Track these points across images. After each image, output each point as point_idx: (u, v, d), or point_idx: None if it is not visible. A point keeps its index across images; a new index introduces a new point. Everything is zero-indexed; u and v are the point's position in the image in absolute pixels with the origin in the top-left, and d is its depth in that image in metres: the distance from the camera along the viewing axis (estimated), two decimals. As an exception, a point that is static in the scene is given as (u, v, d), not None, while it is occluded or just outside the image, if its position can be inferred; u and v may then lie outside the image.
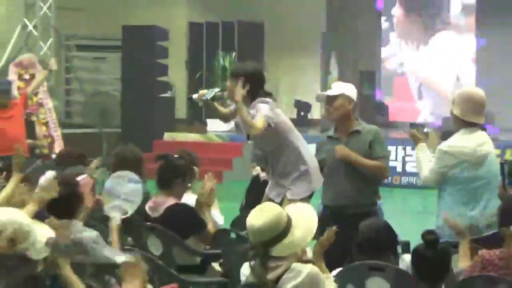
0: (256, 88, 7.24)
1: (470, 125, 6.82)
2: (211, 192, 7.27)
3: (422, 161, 6.99)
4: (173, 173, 7.27)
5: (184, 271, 6.62)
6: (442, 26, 20.73)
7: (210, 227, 7.10)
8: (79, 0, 17.16)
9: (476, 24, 20.01)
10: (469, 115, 6.83)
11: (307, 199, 7.17)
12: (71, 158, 8.36)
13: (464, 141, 6.80)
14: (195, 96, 7.64)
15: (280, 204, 6.58)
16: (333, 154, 7.31)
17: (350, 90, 7.43)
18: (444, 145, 6.86)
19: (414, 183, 15.11)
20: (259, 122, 7.01)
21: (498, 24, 19.10)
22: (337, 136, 7.43)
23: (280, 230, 5.01)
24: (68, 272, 4.47)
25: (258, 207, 5.24)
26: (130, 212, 6.66)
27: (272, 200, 7.05)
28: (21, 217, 4.52)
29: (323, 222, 6.59)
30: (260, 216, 5.05)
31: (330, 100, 7.37)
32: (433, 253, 5.08)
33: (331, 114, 7.46)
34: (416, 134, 7.12)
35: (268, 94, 7.37)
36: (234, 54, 18.67)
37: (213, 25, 19.36)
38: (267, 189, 7.59)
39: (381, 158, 7.35)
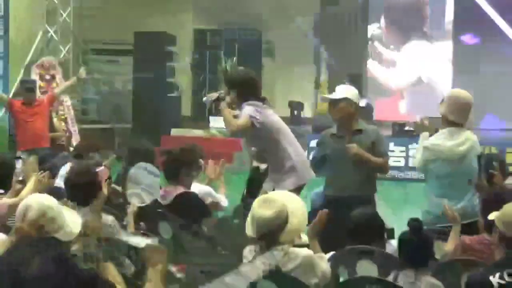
0: (246, 94, 7.33)
1: (455, 125, 6.79)
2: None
3: (418, 150, 7.00)
4: (177, 165, 7.27)
5: (191, 253, 6.60)
6: (420, 35, 20.68)
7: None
8: (96, 9, 17.09)
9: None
10: (453, 115, 6.81)
11: (294, 191, 7.10)
12: (87, 151, 8.34)
13: (445, 140, 6.78)
14: (204, 98, 7.83)
15: None
16: (338, 150, 7.24)
17: (352, 93, 7.37)
18: (427, 141, 6.85)
19: (396, 176, 15.12)
20: (239, 121, 7.14)
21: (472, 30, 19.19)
22: (340, 134, 7.34)
23: (284, 219, 5.01)
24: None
25: (261, 199, 5.24)
26: (147, 202, 6.64)
27: (265, 192, 7.08)
28: (49, 201, 4.48)
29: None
30: (266, 207, 5.04)
31: (334, 102, 7.35)
32: (418, 238, 5.06)
33: (335, 115, 7.39)
34: (421, 124, 7.13)
35: (261, 99, 7.43)
36: (234, 58, 18.61)
37: (216, 32, 19.35)
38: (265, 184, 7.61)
39: (384, 156, 7.40)
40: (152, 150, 8.11)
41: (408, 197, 13.41)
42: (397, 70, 20.58)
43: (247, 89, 7.39)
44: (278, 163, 7.36)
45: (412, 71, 20.50)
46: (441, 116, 6.95)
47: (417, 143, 14.89)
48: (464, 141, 6.72)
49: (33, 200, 4.50)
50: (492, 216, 4.69)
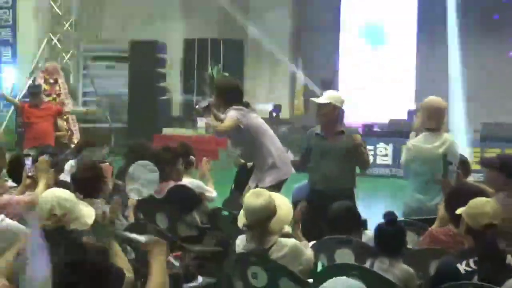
0: (231, 99, 7.38)
1: (433, 129, 6.82)
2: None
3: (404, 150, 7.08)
4: (160, 164, 7.22)
5: (185, 242, 6.60)
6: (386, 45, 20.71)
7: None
8: (95, 19, 17.02)
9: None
10: (429, 121, 6.84)
11: (276, 186, 7.19)
12: (87, 147, 8.32)
13: (425, 142, 6.80)
14: (197, 106, 7.96)
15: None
16: (321, 149, 7.30)
17: (337, 99, 7.37)
18: (410, 142, 6.89)
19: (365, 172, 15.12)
20: (226, 123, 7.18)
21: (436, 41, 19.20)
22: (323, 134, 7.35)
23: (272, 209, 5.02)
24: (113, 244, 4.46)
25: (251, 192, 5.26)
26: (145, 195, 6.63)
27: (249, 188, 7.10)
28: (66, 195, 4.47)
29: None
30: (257, 199, 5.05)
31: (320, 106, 7.36)
32: (392, 230, 5.07)
33: (320, 117, 7.40)
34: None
35: (245, 104, 7.46)
36: (220, 65, 18.61)
37: (203, 41, 19.30)
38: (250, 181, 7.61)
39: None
40: (150, 148, 8.13)
41: (376, 191, 13.42)
42: (366, 74, 20.49)
43: (232, 95, 7.44)
44: (261, 161, 7.38)
45: (378, 76, 20.43)
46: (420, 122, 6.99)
47: (384, 143, 15.01)
48: (442, 143, 6.72)
49: (51, 193, 4.48)
50: (459, 211, 4.70)
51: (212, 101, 7.75)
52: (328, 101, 7.28)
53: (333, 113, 7.27)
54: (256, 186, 7.08)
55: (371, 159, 15.64)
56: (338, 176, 7.16)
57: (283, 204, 5.26)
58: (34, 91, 12.03)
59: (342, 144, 7.22)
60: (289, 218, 5.25)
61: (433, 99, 7.07)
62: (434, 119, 6.82)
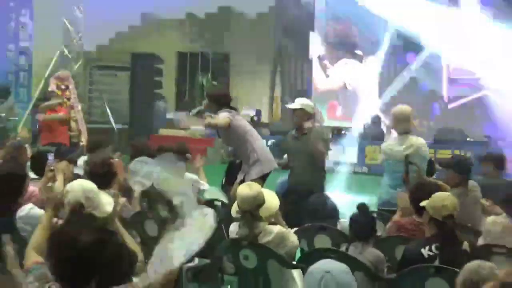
0: (220, 104, 7.41)
1: (402, 133, 6.86)
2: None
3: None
4: None
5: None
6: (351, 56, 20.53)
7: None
8: (102, 34, 16.95)
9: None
10: (397, 127, 6.89)
11: (261, 178, 7.20)
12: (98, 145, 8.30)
13: (395, 145, 6.83)
14: (191, 112, 8.01)
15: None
16: (295, 148, 7.44)
17: (307, 105, 7.49)
18: (383, 145, 6.93)
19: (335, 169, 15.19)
20: (220, 120, 7.19)
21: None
22: (296, 134, 7.51)
23: (261, 199, 5.03)
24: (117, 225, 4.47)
25: (244, 185, 5.27)
26: (147, 186, 6.60)
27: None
28: (88, 186, 4.47)
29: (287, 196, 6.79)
30: (249, 190, 5.06)
31: (293, 110, 7.50)
32: (364, 219, 5.10)
33: (293, 119, 7.57)
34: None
35: (233, 108, 7.53)
36: (209, 75, 18.66)
37: (194, 54, 19.32)
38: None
39: (321, 148, 7.39)
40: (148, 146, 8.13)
41: (344, 186, 13.42)
42: (334, 83, 20.37)
43: (222, 101, 7.49)
44: (247, 157, 7.40)
45: (345, 84, 20.32)
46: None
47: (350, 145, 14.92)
48: (408, 146, 6.74)
49: (78, 185, 4.48)
50: (423, 203, 4.75)
51: (202, 108, 7.84)
52: (299, 107, 7.41)
53: (302, 116, 7.41)
54: (243, 179, 7.15)
55: (339, 157, 15.79)
56: (306, 172, 7.25)
57: (270, 196, 5.27)
58: (51, 96, 12.02)
59: (305, 142, 7.33)
60: (276, 208, 5.25)
61: (400, 106, 7.11)
62: (402, 124, 6.86)
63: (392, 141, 6.93)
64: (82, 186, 4.42)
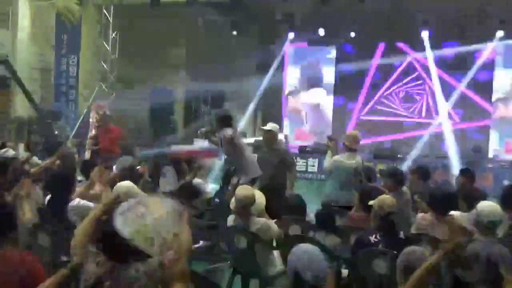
0: (226, 124, 7.28)
1: (351, 150, 6.89)
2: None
3: (327, 160, 7.00)
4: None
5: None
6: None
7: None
8: (128, 74, 16.75)
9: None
10: (348, 145, 6.91)
11: (251, 181, 7.08)
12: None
13: (346, 159, 6.85)
14: (199, 132, 7.98)
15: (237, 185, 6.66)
16: (264, 159, 7.38)
17: (274, 127, 7.51)
18: (335, 157, 6.91)
19: (299, 176, 15.20)
20: (226, 135, 7.12)
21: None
22: (266, 150, 7.52)
23: (253, 199, 5.02)
24: None
25: (241, 187, 5.25)
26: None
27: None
28: (130, 186, 4.44)
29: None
30: (243, 191, 5.05)
31: (265, 131, 7.52)
32: (327, 213, 5.11)
33: (264, 139, 7.56)
34: (329, 144, 7.18)
35: (234, 128, 7.50)
36: (208, 106, 18.67)
37: (198, 92, 19.22)
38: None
39: (290, 164, 7.45)
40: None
41: (308, 188, 13.43)
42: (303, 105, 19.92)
43: (227, 122, 7.34)
44: (241, 165, 7.33)
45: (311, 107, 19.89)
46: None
47: (313, 158, 14.85)
48: (356, 162, 6.79)
49: (121, 185, 4.45)
50: (371, 202, 4.76)
51: (209, 128, 7.81)
52: (269, 128, 7.45)
53: (273, 136, 7.44)
54: (237, 182, 7.08)
55: (304, 168, 15.80)
56: (272, 178, 7.16)
57: (260, 196, 5.26)
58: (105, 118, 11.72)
59: (276, 157, 7.31)
60: (263, 205, 5.24)
61: (352, 131, 7.17)
62: (353, 144, 6.89)
63: (340, 157, 6.92)
64: (127, 188, 4.38)
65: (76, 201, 4.96)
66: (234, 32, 17.46)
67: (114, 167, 7.42)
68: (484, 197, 5.17)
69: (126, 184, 4.48)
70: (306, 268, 2.72)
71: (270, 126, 7.56)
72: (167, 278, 3.11)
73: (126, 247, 2.95)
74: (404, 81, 18.17)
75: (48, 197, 5.08)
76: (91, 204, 4.77)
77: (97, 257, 3.02)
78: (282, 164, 7.33)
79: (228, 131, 7.19)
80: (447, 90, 17.00)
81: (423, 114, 18.02)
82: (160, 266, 3.01)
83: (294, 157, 8.71)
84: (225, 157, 8.00)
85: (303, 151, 16.57)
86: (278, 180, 7.17)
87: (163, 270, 3.06)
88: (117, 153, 9.70)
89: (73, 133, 15.21)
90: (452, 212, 4.84)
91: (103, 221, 3.20)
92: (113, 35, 16.13)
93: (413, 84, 18.10)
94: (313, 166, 15.84)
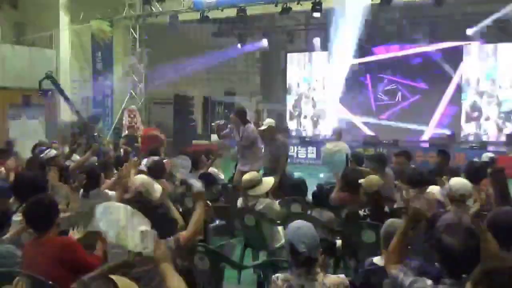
0: (242, 117, 7.17)
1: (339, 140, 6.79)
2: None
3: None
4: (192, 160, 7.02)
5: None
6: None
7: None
8: (154, 82, 16.70)
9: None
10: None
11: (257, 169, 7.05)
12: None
13: (332, 147, 6.77)
14: (213, 124, 7.81)
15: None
16: (267, 150, 7.29)
17: (271, 123, 7.35)
18: (324, 147, 6.82)
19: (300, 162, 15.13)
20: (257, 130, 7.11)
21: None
22: (266, 143, 7.39)
23: (253, 182, 4.94)
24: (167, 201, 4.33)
25: (247, 174, 5.17)
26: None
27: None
28: (146, 179, 4.34)
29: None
30: (247, 176, 4.99)
31: (266, 124, 7.35)
32: (320, 193, 5.00)
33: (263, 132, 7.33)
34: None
35: (248, 121, 7.31)
36: (222, 107, 18.59)
37: (212, 99, 19.18)
38: (239, 166, 7.45)
39: (281, 155, 7.28)
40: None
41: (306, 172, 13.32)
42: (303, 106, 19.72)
43: (244, 115, 7.22)
44: (252, 155, 7.22)
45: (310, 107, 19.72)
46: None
47: (312, 146, 14.70)
48: (340, 148, 6.70)
49: (139, 178, 4.36)
50: (361, 181, 4.64)
51: (223, 121, 7.68)
52: (267, 125, 7.29)
53: (271, 130, 7.25)
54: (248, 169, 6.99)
55: (304, 155, 15.65)
56: (272, 165, 7.09)
57: (268, 180, 5.16)
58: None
59: (274, 148, 7.19)
60: (268, 188, 5.13)
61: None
62: (339, 136, 6.82)
63: (329, 145, 6.80)
64: (143, 180, 4.28)
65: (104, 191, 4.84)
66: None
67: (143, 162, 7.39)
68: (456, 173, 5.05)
69: (143, 178, 4.36)
70: (300, 241, 2.62)
71: (268, 121, 7.42)
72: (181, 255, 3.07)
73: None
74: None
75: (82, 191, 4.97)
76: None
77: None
78: (279, 155, 7.21)
79: (252, 126, 7.13)
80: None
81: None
82: (176, 245, 2.95)
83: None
84: (239, 147, 7.80)
85: (304, 141, 16.40)
86: (275, 169, 7.05)
87: (178, 248, 3.01)
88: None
89: (109, 134, 15.22)
90: (431, 187, 4.72)
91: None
92: (139, 49, 16.06)
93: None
94: (312, 153, 15.71)
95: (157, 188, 4.28)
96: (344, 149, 6.82)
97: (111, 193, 4.85)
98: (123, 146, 11.36)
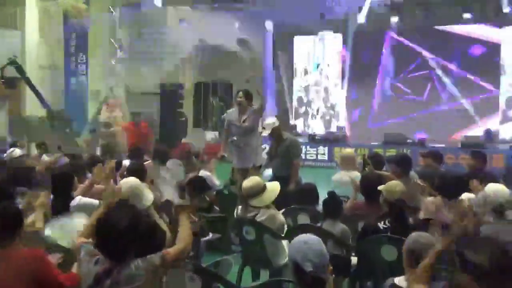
0: (251, 100, 7.45)
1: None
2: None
3: None
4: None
5: (199, 211, 6.45)
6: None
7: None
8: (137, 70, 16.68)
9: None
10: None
11: (258, 168, 7.23)
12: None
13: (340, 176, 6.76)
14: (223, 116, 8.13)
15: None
16: (272, 150, 7.42)
17: (275, 121, 7.41)
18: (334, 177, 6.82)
19: (310, 164, 15.07)
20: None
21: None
22: (273, 142, 7.50)
23: (255, 191, 4.95)
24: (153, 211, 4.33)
25: (248, 179, 5.17)
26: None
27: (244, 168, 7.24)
28: (135, 183, 4.34)
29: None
30: (248, 183, 4.98)
31: (269, 126, 7.37)
32: (333, 202, 4.99)
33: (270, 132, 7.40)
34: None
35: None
36: (217, 98, 18.55)
37: (206, 84, 19.12)
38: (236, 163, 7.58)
39: (294, 156, 7.28)
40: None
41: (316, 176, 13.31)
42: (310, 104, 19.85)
43: (251, 97, 7.49)
44: (252, 148, 7.44)
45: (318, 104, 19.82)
46: None
47: (322, 146, 14.65)
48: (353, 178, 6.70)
49: (128, 181, 4.36)
50: (380, 187, 4.64)
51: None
52: (273, 122, 7.36)
53: (277, 129, 7.33)
54: (252, 166, 7.21)
55: (314, 156, 15.68)
56: (279, 167, 7.16)
57: (272, 188, 5.15)
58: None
59: (282, 148, 7.24)
60: (272, 198, 5.12)
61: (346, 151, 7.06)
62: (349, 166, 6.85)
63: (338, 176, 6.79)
64: (131, 184, 4.28)
65: (78, 199, 4.83)
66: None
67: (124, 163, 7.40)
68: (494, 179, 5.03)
69: (131, 183, 4.36)
70: (306, 259, 2.62)
71: (270, 121, 7.48)
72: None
73: (125, 245, 2.91)
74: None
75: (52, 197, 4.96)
76: (95, 201, 4.67)
77: (95, 255, 2.97)
78: (287, 156, 7.24)
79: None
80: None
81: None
82: (161, 263, 2.97)
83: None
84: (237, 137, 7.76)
85: (313, 140, 16.41)
86: (282, 171, 7.12)
87: (164, 266, 3.03)
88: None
89: (85, 131, 15.23)
90: (463, 195, 4.71)
91: (103, 217, 3.15)
92: (119, 30, 16.07)
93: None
94: (323, 154, 15.72)
95: (148, 197, 4.29)
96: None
97: (89, 200, 4.84)
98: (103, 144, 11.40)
